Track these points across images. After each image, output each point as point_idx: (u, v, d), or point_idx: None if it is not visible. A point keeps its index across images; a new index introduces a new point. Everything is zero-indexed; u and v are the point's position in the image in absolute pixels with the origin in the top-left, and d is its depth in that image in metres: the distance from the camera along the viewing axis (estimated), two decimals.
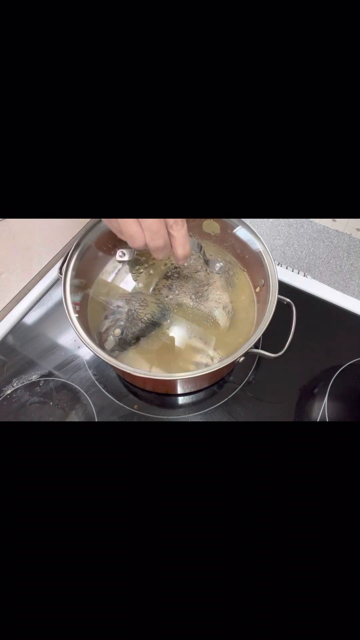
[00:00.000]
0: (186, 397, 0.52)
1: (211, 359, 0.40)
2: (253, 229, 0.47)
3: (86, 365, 0.54)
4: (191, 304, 0.41)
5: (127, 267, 0.43)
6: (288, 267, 0.65)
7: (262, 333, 0.40)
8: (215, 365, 0.39)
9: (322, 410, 0.50)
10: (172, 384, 0.47)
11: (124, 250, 0.43)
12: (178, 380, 0.44)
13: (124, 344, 0.40)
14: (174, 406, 0.52)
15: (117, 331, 0.41)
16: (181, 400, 0.52)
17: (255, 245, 0.47)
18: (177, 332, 0.40)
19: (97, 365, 0.54)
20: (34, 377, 0.53)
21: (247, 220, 0.47)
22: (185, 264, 0.43)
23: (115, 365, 0.39)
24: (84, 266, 0.45)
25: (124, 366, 0.39)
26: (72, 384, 0.52)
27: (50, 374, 0.53)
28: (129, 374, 0.39)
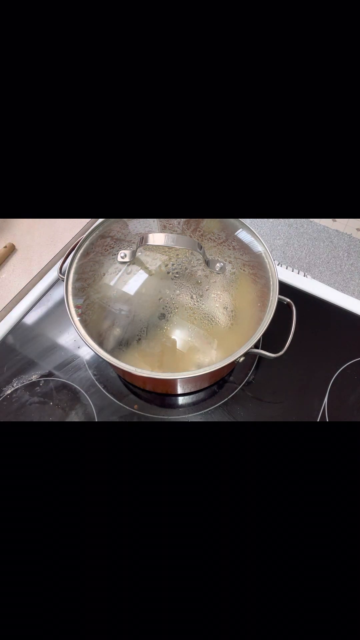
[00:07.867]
0: (186, 397, 0.52)
1: (211, 359, 0.40)
2: (253, 229, 0.47)
3: (86, 365, 0.54)
4: (192, 304, 0.41)
5: (128, 268, 0.43)
6: (288, 267, 0.65)
7: (262, 333, 0.40)
8: (215, 365, 0.39)
9: (322, 410, 0.50)
10: (172, 383, 0.47)
11: (125, 252, 0.43)
12: (178, 380, 0.44)
13: (124, 344, 0.40)
14: (174, 406, 0.52)
15: (118, 331, 0.41)
16: (181, 400, 0.52)
17: (256, 245, 0.47)
18: (178, 332, 0.40)
19: (97, 365, 0.54)
20: (34, 377, 0.53)
21: (247, 221, 0.47)
22: (186, 264, 0.43)
23: (116, 365, 0.39)
24: (85, 267, 0.45)
25: (125, 365, 0.39)
26: (72, 384, 0.52)
27: (50, 374, 0.53)
28: (129, 373, 0.39)
